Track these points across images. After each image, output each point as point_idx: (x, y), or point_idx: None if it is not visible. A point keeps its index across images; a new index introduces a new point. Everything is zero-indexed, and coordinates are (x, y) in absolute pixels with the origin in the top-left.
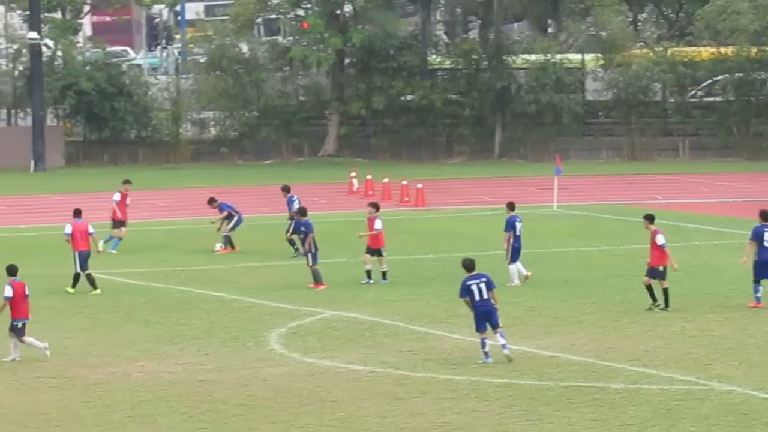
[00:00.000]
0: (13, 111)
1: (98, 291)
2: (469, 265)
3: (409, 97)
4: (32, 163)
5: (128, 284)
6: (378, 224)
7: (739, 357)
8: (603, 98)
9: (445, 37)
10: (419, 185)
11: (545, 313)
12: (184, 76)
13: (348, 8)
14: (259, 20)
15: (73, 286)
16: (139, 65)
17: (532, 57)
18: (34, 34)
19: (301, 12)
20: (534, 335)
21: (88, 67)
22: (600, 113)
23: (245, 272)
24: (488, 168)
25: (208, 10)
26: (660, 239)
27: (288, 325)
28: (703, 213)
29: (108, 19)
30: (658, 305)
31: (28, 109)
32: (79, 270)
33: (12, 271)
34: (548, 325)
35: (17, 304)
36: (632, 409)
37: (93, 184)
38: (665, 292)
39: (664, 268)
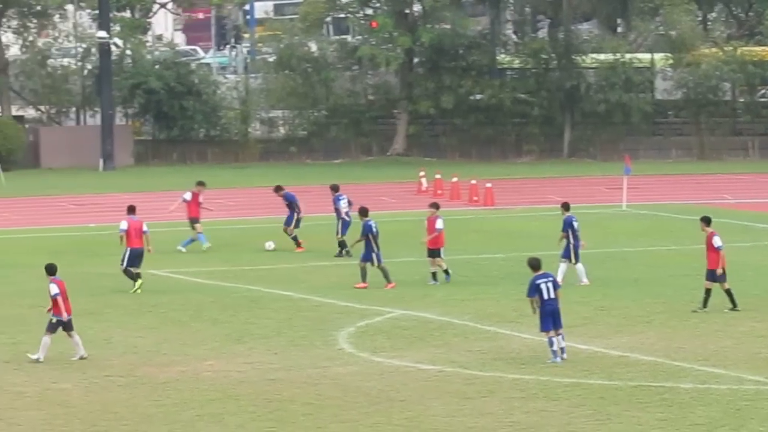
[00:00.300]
0: (82, 110)
1: (138, 290)
2: (535, 264)
3: (478, 97)
4: (101, 161)
5: (197, 283)
6: (440, 224)
7: None
8: (672, 98)
9: (514, 36)
10: (488, 184)
11: (614, 312)
12: (252, 75)
13: (417, 7)
14: (328, 19)
15: (135, 284)
16: (208, 64)
17: (601, 56)
18: (103, 33)
19: (370, 11)
20: (603, 335)
21: (157, 66)
22: (669, 113)
23: (314, 271)
24: (557, 167)
25: (278, 8)
26: (716, 241)
27: (357, 324)
28: None
29: (201, 16)
30: (704, 310)
31: (97, 108)
32: (125, 266)
33: (51, 270)
34: (617, 325)
35: (61, 301)
36: (701, 409)
37: (162, 183)
38: (728, 293)
39: (723, 270)
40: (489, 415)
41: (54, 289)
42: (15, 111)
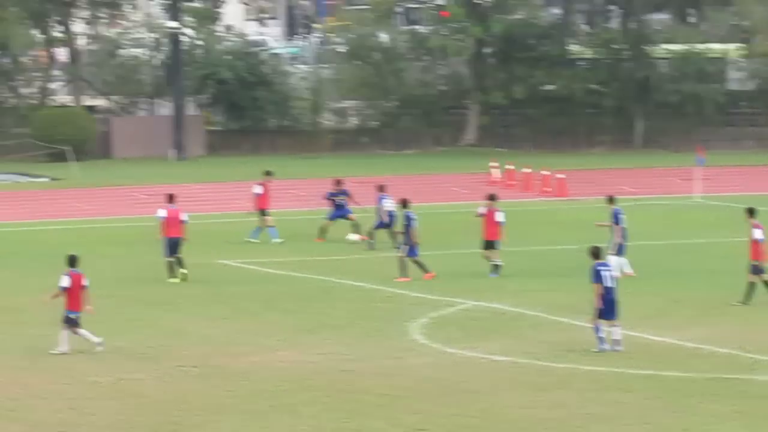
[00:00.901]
0: (153, 100)
1: (177, 279)
2: (596, 252)
3: (549, 87)
4: (172, 152)
5: (269, 273)
6: (500, 217)
7: None
8: (746, 88)
9: (585, 26)
10: (561, 175)
11: (688, 304)
12: (323, 65)
13: None
14: (399, 9)
15: (173, 274)
16: (278, 54)
17: (674, 47)
18: (174, 23)
19: (441, 1)
20: (677, 326)
21: (228, 57)
22: (742, 103)
23: (386, 262)
24: (630, 158)
25: None
26: (755, 234)
27: (429, 315)
28: None
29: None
30: (746, 304)
31: (169, 99)
32: (166, 256)
33: (72, 261)
34: (692, 317)
35: (73, 295)
36: None
37: (233, 173)
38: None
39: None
40: (563, 407)
41: (65, 281)
42: (87, 101)
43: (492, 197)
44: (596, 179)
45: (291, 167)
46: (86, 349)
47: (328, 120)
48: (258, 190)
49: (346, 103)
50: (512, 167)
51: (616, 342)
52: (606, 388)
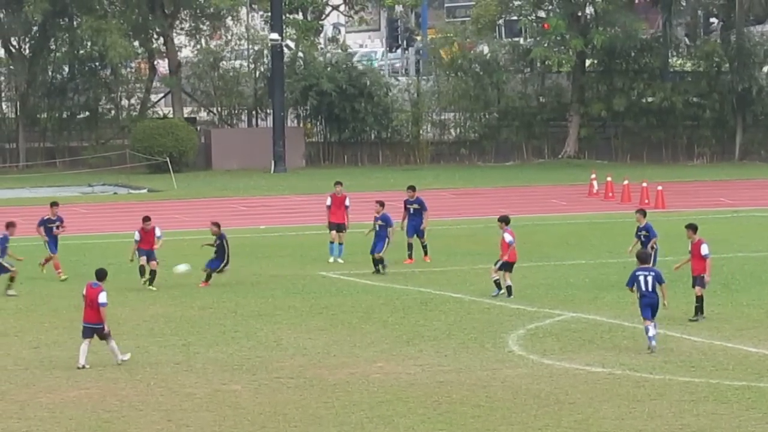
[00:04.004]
0: (254, 112)
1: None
2: (642, 257)
3: (649, 99)
4: (272, 163)
5: (367, 285)
6: (508, 238)
7: None
8: None
9: (686, 39)
10: (659, 187)
11: None
12: (424, 77)
13: (589, 10)
14: (500, 21)
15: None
16: (379, 66)
17: None
18: (275, 36)
19: (542, 13)
20: None
21: (328, 68)
22: None
23: (484, 274)
24: (729, 170)
25: (449, 11)
26: (704, 249)
27: (527, 326)
28: None
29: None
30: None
31: (269, 110)
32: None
33: (99, 275)
34: None
35: (92, 307)
36: None
37: (332, 186)
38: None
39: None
40: (659, 418)
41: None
42: (187, 113)
43: (504, 219)
44: (695, 191)
45: (391, 179)
46: (182, 360)
47: (428, 132)
48: (327, 202)
49: (447, 115)
50: (611, 179)
51: (651, 338)
52: (701, 399)
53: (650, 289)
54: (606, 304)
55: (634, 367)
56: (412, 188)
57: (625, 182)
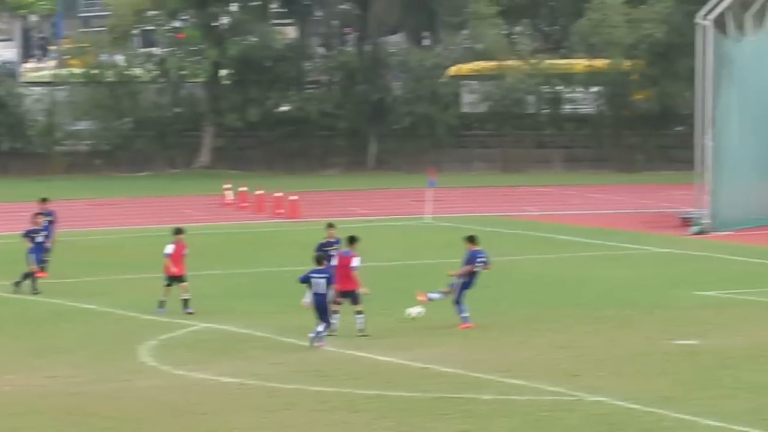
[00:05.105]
0: None
1: None
2: (318, 258)
3: (284, 109)
4: None
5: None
6: (169, 249)
7: (608, 368)
8: (478, 110)
9: (321, 49)
10: (293, 197)
11: (417, 324)
12: (59, 87)
13: (224, 19)
14: (136, 32)
15: None
16: (14, 75)
17: (409, 69)
18: None
19: (178, 23)
20: (405, 346)
21: None
22: (474, 125)
23: (117, 284)
24: (363, 180)
25: (85, 21)
26: (354, 262)
27: (159, 337)
28: (574, 225)
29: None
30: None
31: None
32: None
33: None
34: (419, 337)
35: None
36: (501, 420)
37: None
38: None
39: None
40: (291, 428)
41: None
42: None
43: (179, 231)
44: (330, 201)
45: (22, 189)
46: None
47: (62, 143)
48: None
49: (82, 126)
50: (245, 189)
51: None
52: (333, 408)
53: (322, 291)
54: (238, 315)
55: (266, 377)
56: (44, 200)
57: (260, 192)
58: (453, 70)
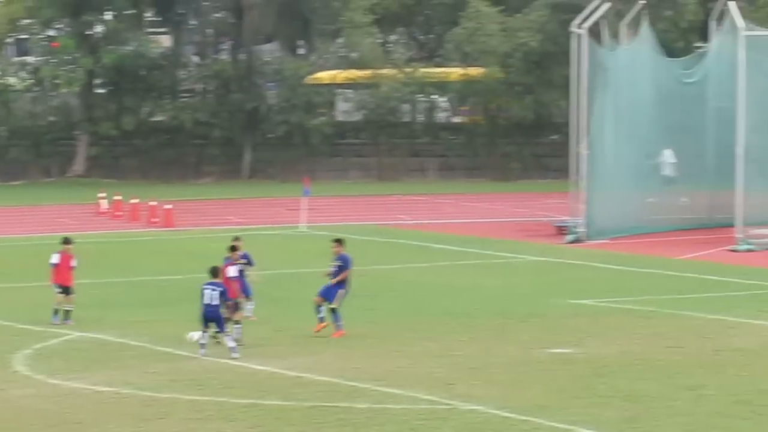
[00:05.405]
0: None
1: None
2: (212, 271)
3: (159, 118)
4: None
5: None
6: (73, 262)
7: (482, 376)
8: (353, 119)
9: (196, 57)
10: (168, 206)
11: (291, 333)
12: None
13: (99, 28)
14: (10, 40)
15: None
16: None
17: (283, 78)
18: None
19: (52, 32)
20: (280, 355)
21: None
22: (349, 134)
23: None
24: (238, 189)
25: None
26: (230, 271)
27: (33, 346)
28: (448, 233)
29: None
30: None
31: None
32: None
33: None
34: (294, 345)
35: None
36: (376, 429)
37: None
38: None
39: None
40: None
41: None
42: None
43: (67, 240)
44: (204, 210)
45: None
46: None
47: None
48: None
49: None
50: (120, 198)
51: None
52: (208, 417)
53: (214, 302)
54: (112, 324)
55: (141, 386)
56: None
57: (134, 201)
58: (326, 78)
